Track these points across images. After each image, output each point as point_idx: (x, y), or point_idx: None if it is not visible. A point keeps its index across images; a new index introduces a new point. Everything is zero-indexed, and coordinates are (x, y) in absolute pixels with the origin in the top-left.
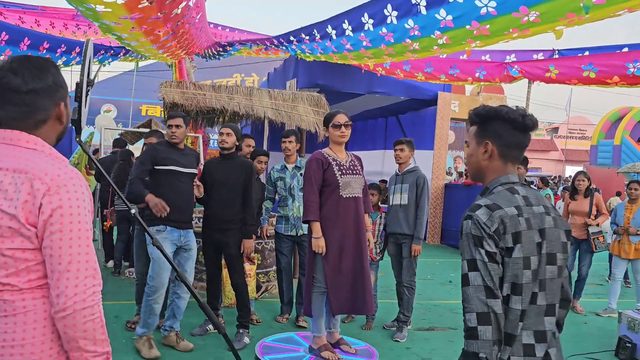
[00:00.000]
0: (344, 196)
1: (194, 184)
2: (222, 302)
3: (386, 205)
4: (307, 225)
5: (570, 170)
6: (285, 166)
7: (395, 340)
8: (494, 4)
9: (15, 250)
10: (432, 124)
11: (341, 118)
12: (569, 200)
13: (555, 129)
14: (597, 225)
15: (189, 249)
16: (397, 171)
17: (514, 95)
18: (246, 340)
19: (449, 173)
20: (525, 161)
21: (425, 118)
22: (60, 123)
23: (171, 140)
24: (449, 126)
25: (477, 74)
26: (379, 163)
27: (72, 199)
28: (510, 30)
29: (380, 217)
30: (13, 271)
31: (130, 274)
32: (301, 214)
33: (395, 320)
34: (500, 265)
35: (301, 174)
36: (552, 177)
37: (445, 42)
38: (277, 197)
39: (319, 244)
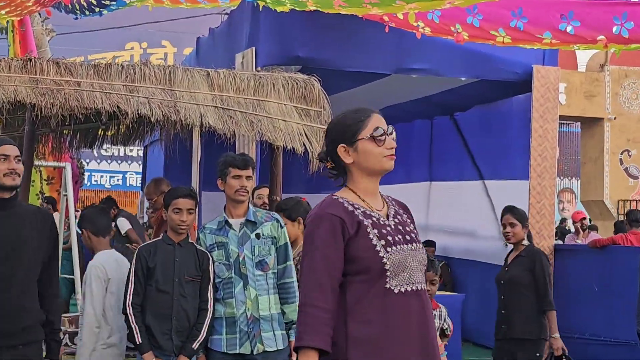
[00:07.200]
0: (396, 291)
1: None
2: None
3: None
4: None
5: None
6: (227, 222)
7: None
8: None
9: None
10: (522, 128)
11: (379, 120)
12: None
13: None
14: None
15: None
16: None
17: None
18: None
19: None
20: None
21: (508, 118)
22: None
23: None
24: (556, 132)
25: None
26: (420, 204)
27: None
28: None
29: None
30: None
31: None
32: (260, 312)
33: None
34: None
35: (257, 236)
36: None
37: None
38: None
39: None
